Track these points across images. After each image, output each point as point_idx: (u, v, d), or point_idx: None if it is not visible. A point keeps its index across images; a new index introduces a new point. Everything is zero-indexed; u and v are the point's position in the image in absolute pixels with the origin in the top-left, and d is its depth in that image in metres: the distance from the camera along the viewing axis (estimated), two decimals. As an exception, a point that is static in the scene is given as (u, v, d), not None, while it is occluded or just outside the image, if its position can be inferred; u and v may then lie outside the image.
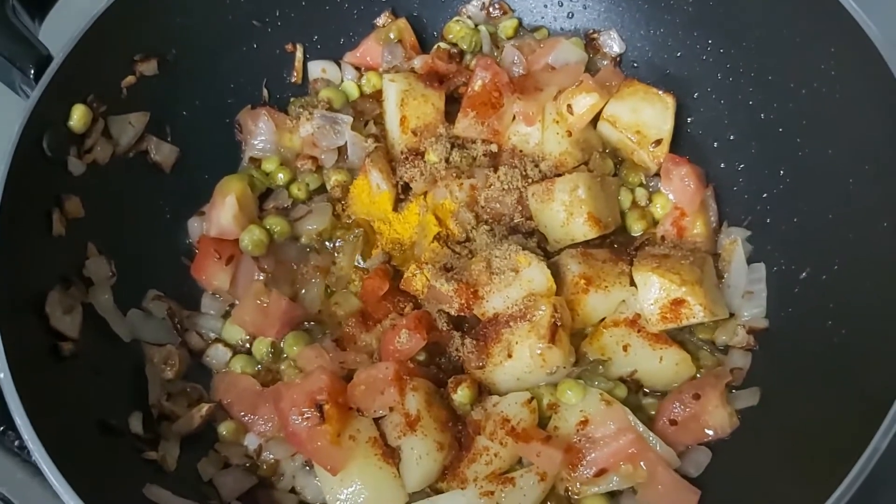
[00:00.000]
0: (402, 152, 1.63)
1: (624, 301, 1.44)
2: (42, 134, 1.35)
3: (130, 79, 1.51)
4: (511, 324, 1.37)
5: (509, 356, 1.36)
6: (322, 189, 1.65)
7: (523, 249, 1.43)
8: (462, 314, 1.43)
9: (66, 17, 1.56)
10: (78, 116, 1.41)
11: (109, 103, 1.47)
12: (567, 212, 1.47)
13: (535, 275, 1.39)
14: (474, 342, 1.41)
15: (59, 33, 1.51)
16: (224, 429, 1.41)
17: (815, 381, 1.31)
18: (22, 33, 1.42)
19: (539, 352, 1.34)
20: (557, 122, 1.57)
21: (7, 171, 1.28)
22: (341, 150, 1.64)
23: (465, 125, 1.61)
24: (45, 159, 1.36)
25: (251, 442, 1.40)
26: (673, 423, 1.35)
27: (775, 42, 1.48)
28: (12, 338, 1.19)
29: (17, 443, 1.53)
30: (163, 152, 1.56)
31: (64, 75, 1.38)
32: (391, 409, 1.33)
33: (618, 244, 1.57)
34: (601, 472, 1.30)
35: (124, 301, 1.44)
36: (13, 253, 1.26)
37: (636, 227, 1.58)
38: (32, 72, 1.39)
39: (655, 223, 1.59)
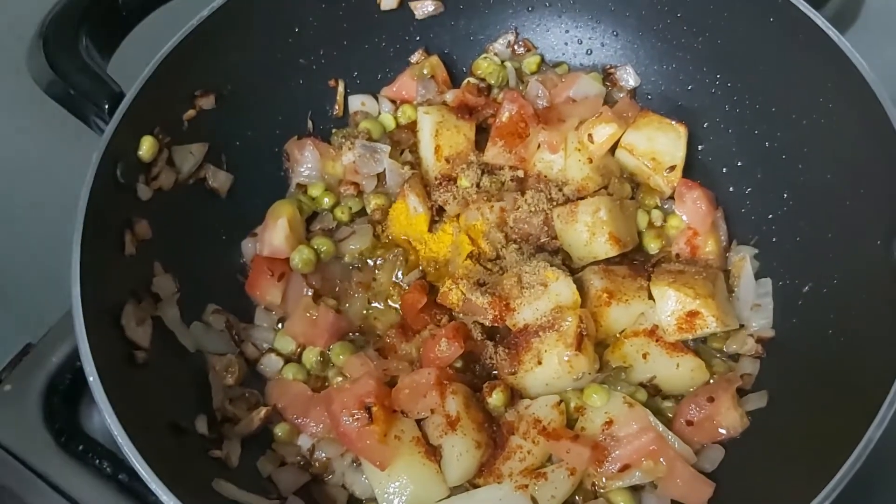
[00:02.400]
0: (436, 178, 1.77)
1: (643, 313, 1.57)
2: (116, 163, 1.49)
3: (191, 112, 1.65)
4: (540, 333, 1.50)
5: (539, 363, 1.49)
6: (363, 212, 1.79)
7: (551, 266, 1.56)
8: (495, 325, 1.56)
9: (129, 53, 1.72)
10: (147, 147, 1.55)
11: (173, 135, 1.61)
12: (590, 232, 1.61)
13: (563, 289, 1.52)
14: (506, 350, 1.54)
15: (123, 68, 1.67)
16: (279, 430, 1.54)
17: (818, 384, 1.44)
18: (96, 72, 1.56)
19: (566, 359, 1.47)
20: (579, 150, 1.71)
21: (88, 197, 1.42)
22: (380, 177, 1.79)
23: (494, 153, 1.76)
24: (118, 186, 1.51)
25: (304, 442, 1.53)
26: (689, 423, 1.48)
27: (778, 78, 1.63)
28: (97, 346, 1.33)
29: (80, 447, 1.67)
30: (219, 179, 1.71)
31: (134, 110, 1.51)
32: (432, 411, 1.45)
33: (636, 261, 1.69)
34: (625, 468, 1.42)
35: (187, 314, 1.58)
36: (95, 271, 1.39)
37: (652, 246, 1.72)
38: (107, 107, 1.54)
39: (670, 242, 1.73)
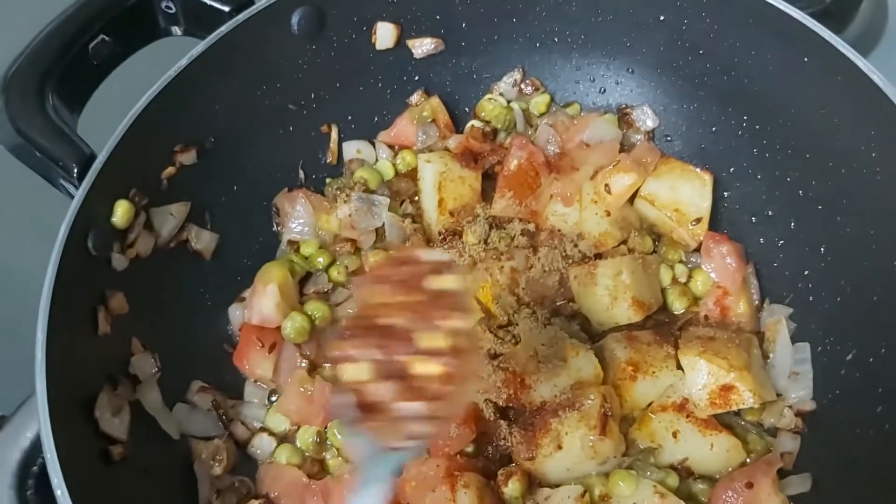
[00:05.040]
0: (439, 233, 1.63)
1: (671, 385, 1.44)
2: (87, 234, 1.34)
3: (171, 170, 1.50)
4: (560, 413, 1.36)
5: (559, 447, 1.35)
6: (360, 270, 1.64)
7: (569, 336, 1.43)
8: (510, 404, 1.42)
9: (99, 104, 1.58)
10: (121, 212, 1.40)
11: (151, 196, 1.46)
12: (611, 296, 1.47)
13: (584, 364, 1.39)
14: (522, 432, 1.39)
15: (93, 124, 1.52)
16: (273, 524, 1.40)
17: (867, 468, 1.31)
18: (65, 133, 1.41)
19: (590, 444, 1.33)
20: (595, 202, 1.57)
21: (54, 275, 1.27)
22: (379, 231, 1.64)
23: (503, 205, 1.61)
24: (89, 258, 1.36)
25: (301, 538, 1.40)
26: (727, 513, 1.34)
27: (813, 122, 1.48)
28: (66, 449, 1.18)
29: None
30: (203, 240, 1.56)
31: (107, 173, 1.36)
32: (442, 505, 1.32)
33: (660, 322, 1.56)
34: (657, 568, 1.29)
35: (169, 395, 1.44)
36: (63, 361, 1.24)
37: (677, 305, 1.57)
38: (76, 171, 1.39)
39: (697, 300, 1.58)
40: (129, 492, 1.29)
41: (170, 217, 1.51)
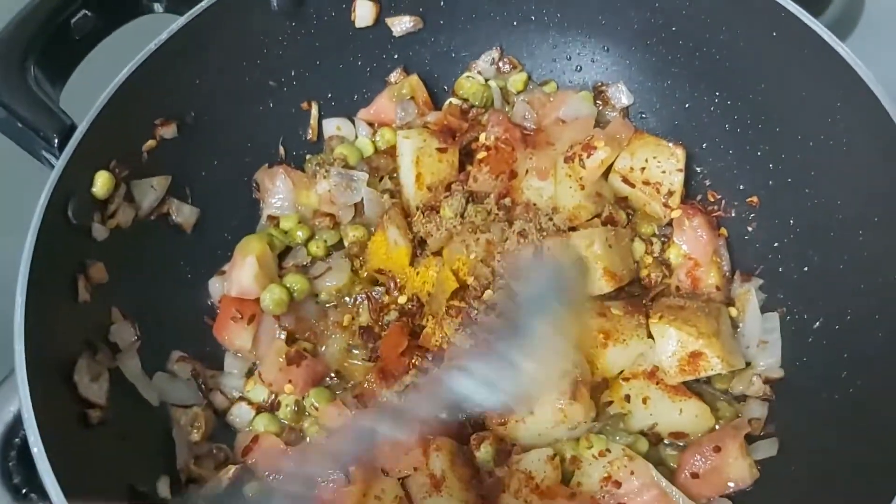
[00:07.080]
0: (417, 207, 1.65)
1: (642, 354, 1.46)
2: (67, 202, 1.37)
3: (151, 143, 1.53)
4: (532, 379, 1.39)
5: (530, 412, 1.38)
6: (339, 245, 1.67)
7: (541, 305, 1.45)
8: (483, 371, 1.45)
9: (83, 81, 1.60)
10: (101, 183, 1.43)
11: (131, 168, 1.49)
12: (583, 267, 1.50)
13: (555, 331, 1.41)
14: (495, 398, 1.42)
15: (76, 97, 1.54)
16: (250, 490, 1.41)
17: (833, 432, 1.33)
18: (46, 104, 1.44)
19: (560, 407, 1.36)
20: (570, 175, 1.59)
21: (34, 241, 1.30)
22: (357, 207, 1.66)
23: (479, 180, 1.63)
24: (69, 227, 1.38)
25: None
26: (695, 476, 1.36)
27: (781, 96, 1.51)
28: (43, 410, 1.20)
29: (39, 505, 1.55)
30: (183, 214, 1.58)
31: (87, 143, 1.39)
32: (416, 468, 1.34)
33: (632, 294, 1.58)
34: (625, 528, 1.31)
35: (149, 364, 1.46)
36: (42, 323, 1.27)
37: (651, 277, 1.60)
38: (56, 141, 1.41)
39: (669, 273, 1.61)
40: (109, 455, 1.31)
41: (150, 189, 1.53)
